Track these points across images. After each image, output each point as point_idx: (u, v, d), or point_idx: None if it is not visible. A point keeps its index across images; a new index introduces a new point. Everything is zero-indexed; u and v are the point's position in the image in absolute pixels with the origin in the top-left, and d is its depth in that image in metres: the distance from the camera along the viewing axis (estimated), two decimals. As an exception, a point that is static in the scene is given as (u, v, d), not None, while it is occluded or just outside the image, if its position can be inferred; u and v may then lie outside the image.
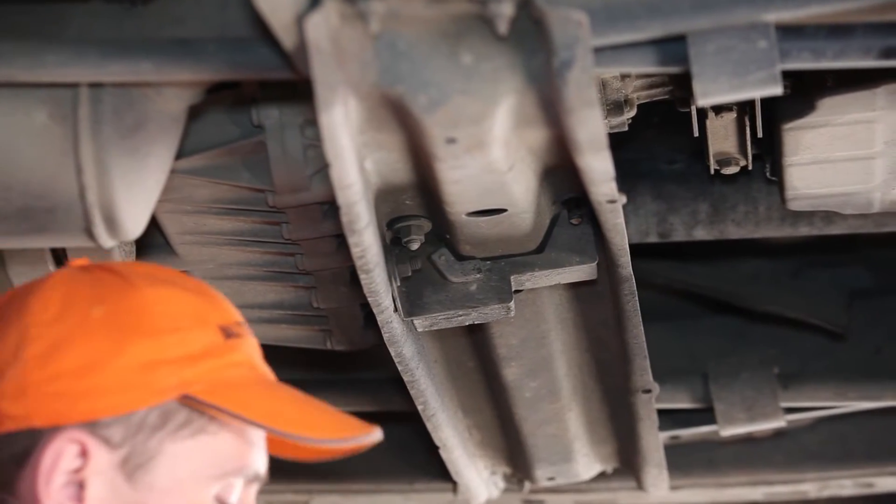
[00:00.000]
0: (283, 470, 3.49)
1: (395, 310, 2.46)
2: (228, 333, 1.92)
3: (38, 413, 1.82)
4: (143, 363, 1.84)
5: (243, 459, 1.91)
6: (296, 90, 2.25)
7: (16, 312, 1.89)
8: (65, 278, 1.92)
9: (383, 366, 2.89)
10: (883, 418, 3.40)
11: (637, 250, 2.71)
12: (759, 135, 2.62)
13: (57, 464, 1.81)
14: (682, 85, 2.49)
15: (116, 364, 1.83)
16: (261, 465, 1.94)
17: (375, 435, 1.95)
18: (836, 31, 1.98)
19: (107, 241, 2.17)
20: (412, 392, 2.74)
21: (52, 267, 2.48)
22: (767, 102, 2.53)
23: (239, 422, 1.89)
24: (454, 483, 3.32)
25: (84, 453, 1.82)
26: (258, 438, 1.93)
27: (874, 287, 3.41)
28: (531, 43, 1.91)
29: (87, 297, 1.88)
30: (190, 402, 1.86)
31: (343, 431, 1.93)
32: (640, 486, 3.37)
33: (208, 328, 1.90)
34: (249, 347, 1.95)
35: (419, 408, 2.80)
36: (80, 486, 1.82)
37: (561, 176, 2.27)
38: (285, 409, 1.93)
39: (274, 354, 3.05)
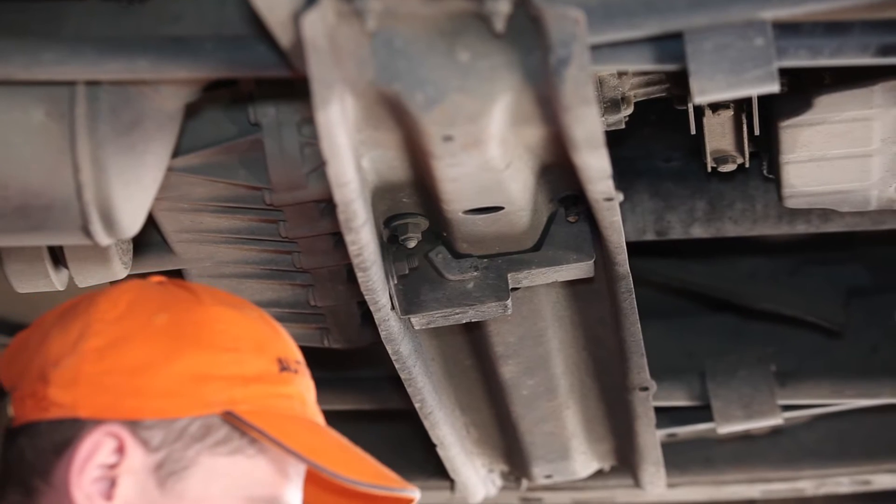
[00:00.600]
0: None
1: (393, 308, 2.46)
2: (284, 367, 1.95)
3: (85, 404, 1.86)
4: (196, 374, 1.87)
5: (276, 489, 1.93)
6: (293, 88, 2.25)
7: (83, 309, 1.96)
8: (137, 286, 1.99)
9: (380, 364, 2.89)
10: (880, 416, 3.40)
11: (634, 248, 2.71)
12: (757, 132, 2.62)
13: (93, 455, 1.84)
14: (679, 82, 2.49)
15: (169, 370, 1.87)
16: (294, 500, 1.95)
17: (412, 492, 1.97)
18: (833, 28, 1.98)
19: (104, 239, 2.17)
20: (409, 390, 2.74)
21: (49, 266, 2.47)
22: (764, 100, 2.53)
23: (279, 449, 1.91)
24: (451, 481, 3.32)
25: (121, 450, 1.84)
26: (296, 474, 1.95)
27: (871, 285, 3.41)
28: (528, 40, 1.91)
29: (153, 304, 1.95)
30: (233, 421, 1.88)
31: (382, 480, 1.96)
32: (637, 483, 3.37)
33: (266, 356, 1.94)
34: (304, 386, 1.99)
35: (416, 406, 2.80)
36: (112, 482, 1.85)
37: (558, 173, 2.27)
38: (328, 448, 1.96)
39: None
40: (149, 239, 2.55)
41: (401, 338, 2.54)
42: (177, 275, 2.66)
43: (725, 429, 3.30)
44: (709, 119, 2.63)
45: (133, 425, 1.85)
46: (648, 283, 3.35)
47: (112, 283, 2.55)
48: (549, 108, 1.96)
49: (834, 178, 2.61)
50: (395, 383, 2.82)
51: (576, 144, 1.99)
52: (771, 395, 3.27)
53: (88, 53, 2.03)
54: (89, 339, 1.90)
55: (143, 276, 2.67)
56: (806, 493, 3.54)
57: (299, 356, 2.02)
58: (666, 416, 3.30)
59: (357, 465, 1.97)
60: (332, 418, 3.52)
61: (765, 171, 2.73)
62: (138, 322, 1.92)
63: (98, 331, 1.91)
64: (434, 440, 3.00)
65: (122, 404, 1.85)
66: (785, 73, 2.29)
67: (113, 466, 1.85)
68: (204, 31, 2.08)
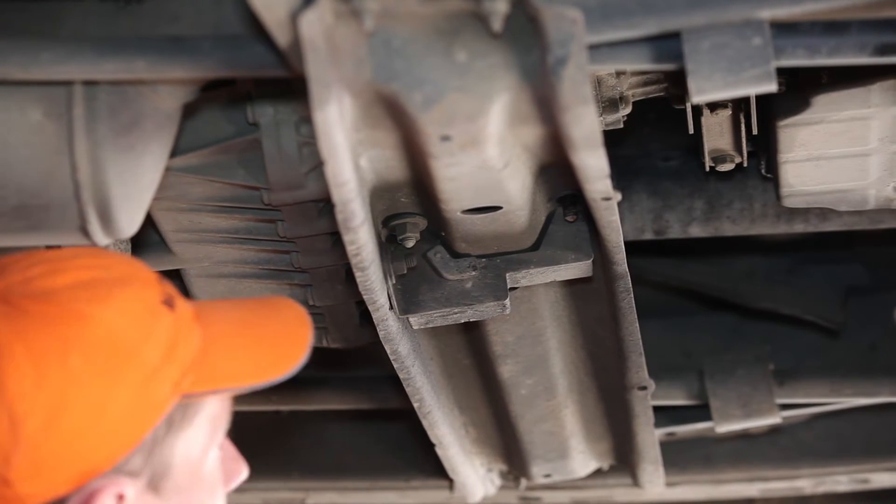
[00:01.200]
0: (279, 468, 3.52)
1: (391, 307, 2.46)
2: (168, 302, 1.86)
3: (59, 481, 1.77)
4: (138, 386, 1.79)
5: (226, 412, 1.93)
6: (291, 88, 2.25)
7: None
8: (9, 334, 1.77)
9: (379, 363, 2.89)
10: (878, 414, 3.40)
11: (633, 247, 2.71)
12: (755, 132, 2.62)
13: None
14: (677, 82, 2.49)
15: (116, 402, 1.78)
16: None
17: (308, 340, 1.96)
18: (831, 27, 1.98)
19: (102, 239, 2.17)
20: (408, 389, 2.74)
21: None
22: (762, 99, 2.53)
23: (230, 393, 1.90)
24: (450, 480, 3.32)
25: (120, 497, 1.79)
26: None
27: (869, 284, 3.41)
28: (526, 40, 1.91)
29: (53, 349, 1.76)
30: (186, 400, 1.85)
31: (292, 357, 1.94)
32: (636, 482, 3.37)
33: (158, 311, 1.84)
34: (179, 298, 1.90)
35: (415, 405, 2.80)
36: None
37: (556, 173, 2.27)
38: (247, 356, 1.92)
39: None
40: (147, 239, 2.55)
41: (399, 337, 2.54)
42: (175, 274, 2.66)
43: (724, 428, 3.30)
44: (707, 118, 2.63)
45: (116, 469, 1.78)
46: (647, 283, 3.35)
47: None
48: (546, 108, 1.96)
49: (832, 178, 2.61)
50: (394, 383, 2.82)
51: (574, 144, 1.99)
52: (769, 394, 3.27)
53: (86, 53, 2.03)
54: (25, 423, 1.73)
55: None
56: (805, 492, 3.54)
57: (148, 268, 1.90)
58: (664, 415, 3.30)
59: (268, 360, 1.94)
60: (331, 417, 3.54)
61: (763, 171, 2.73)
62: (57, 378, 1.74)
63: (27, 411, 1.73)
64: (433, 439, 3.00)
65: (96, 460, 1.77)
66: (783, 73, 2.29)
67: None
68: (202, 30, 2.08)
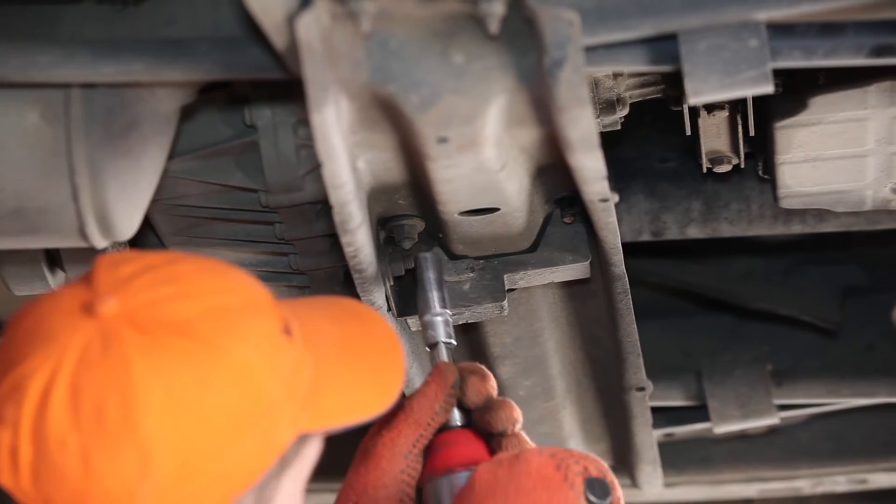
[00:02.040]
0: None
1: (389, 309, 2.46)
2: (287, 330, 1.79)
3: None
4: (264, 429, 1.72)
5: (321, 444, 1.88)
6: (288, 90, 2.25)
7: (125, 432, 1.66)
8: (148, 369, 1.68)
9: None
10: (876, 415, 3.40)
11: (630, 249, 2.71)
12: (752, 133, 2.62)
13: None
14: (674, 84, 2.49)
15: (244, 444, 1.71)
16: None
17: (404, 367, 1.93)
18: (827, 29, 1.98)
19: (100, 241, 2.17)
20: (406, 391, 2.74)
21: (45, 268, 2.47)
22: (759, 101, 2.53)
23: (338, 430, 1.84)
24: (449, 481, 3.31)
25: None
26: None
27: (867, 284, 3.41)
28: (523, 42, 1.91)
29: (191, 389, 1.68)
30: (299, 438, 1.80)
31: (389, 395, 1.89)
32: (634, 483, 3.37)
33: (281, 344, 1.77)
34: (293, 321, 1.83)
35: (413, 406, 2.80)
36: None
37: (553, 175, 2.28)
38: (355, 390, 1.86)
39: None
40: (145, 241, 2.55)
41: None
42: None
43: (722, 428, 3.30)
44: (704, 120, 2.63)
45: None
46: (645, 284, 3.35)
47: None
48: (543, 110, 1.96)
49: (829, 179, 2.61)
50: (392, 384, 2.82)
51: (571, 146, 1.99)
52: (767, 395, 3.27)
53: (84, 56, 2.03)
54: (155, 462, 1.66)
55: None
56: (803, 493, 3.54)
57: (267, 290, 1.82)
58: (663, 415, 3.30)
59: (374, 393, 1.89)
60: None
61: (760, 172, 2.73)
62: (192, 420, 1.67)
63: (160, 450, 1.66)
64: (431, 441, 2.99)
65: (212, 500, 1.70)
66: (779, 74, 2.29)
67: None
68: (199, 33, 2.08)
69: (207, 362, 1.69)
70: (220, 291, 1.76)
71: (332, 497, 3.56)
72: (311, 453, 1.86)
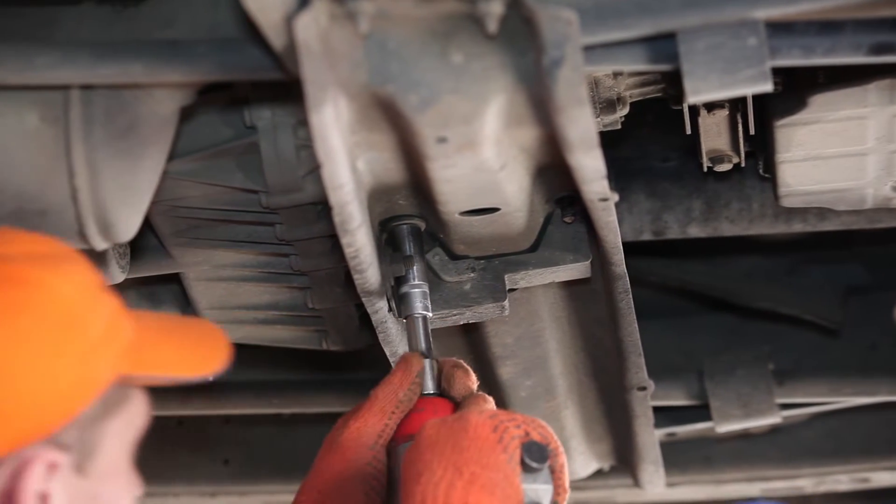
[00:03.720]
0: (281, 471, 3.52)
1: (390, 310, 2.46)
2: (105, 286, 1.88)
3: None
4: (80, 358, 1.79)
5: (147, 407, 1.93)
6: (288, 91, 2.25)
7: None
8: None
9: (379, 365, 2.88)
10: (878, 414, 3.40)
11: (631, 248, 2.71)
12: (752, 132, 2.62)
13: (30, 490, 1.77)
14: (674, 83, 2.49)
15: (60, 370, 1.78)
16: None
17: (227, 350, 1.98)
18: (826, 27, 1.98)
19: (100, 243, 2.17)
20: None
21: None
22: (759, 99, 2.54)
23: (159, 381, 1.90)
24: (451, 481, 3.31)
25: (52, 467, 1.78)
26: None
27: (869, 283, 3.41)
28: (521, 42, 1.91)
29: (4, 310, 1.78)
30: (122, 381, 1.85)
31: (219, 356, 1.97)
32: (636, 483, 3.37)
33: (101, 291, 1.85)
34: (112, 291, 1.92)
35: (415, 407, 2.80)
36: (43, 497, 1.78)
37: (554, 174, 2.28)
38: (175, 352, 1.94)
39: (269, 355, 3.07)
40: (146, 243, 2.55)
41: (398, 340, 2.54)
42: (174, 278, 2.66)
43: (724, 428, 3.30)
44: (704, 119, 2.63)
45: (49, 440, 1.78)
46: (646, 283, 3.34)
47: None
48: (542, 109, 1.96)
49: (829, 177, 2.61)
50: (394, 385, 2.81)
51: (570, 145, 1.99)
52: (769, 394, 3.27)
53: (82, 58, 2.03)
54: None
55: (142, 280, 2.68)
56: (805, 492, 3.54)
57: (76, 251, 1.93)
58: (664, 415, 3.30)
59: (195, 356, 1.97)
60: (332, 420, 3.53)
61: (761, 171, 2.73)
62: (5, 339, 1.76)
63: None
64: (433, 441, 2.99)
65: (32, 427, 1.76)
66: (779, 73, 2.30)
67: (44, 484, 1.78)
68: (197, 34, 2.08)
69: (23, 289, 1.78)
70: (47, 243, 1.89)
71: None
72: (136, 412, 1.90)
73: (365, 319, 2.58)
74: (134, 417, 1.90)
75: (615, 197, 2.22)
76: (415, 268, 2.31)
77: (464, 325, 2.55)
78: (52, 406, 1.78)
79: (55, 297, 1.80)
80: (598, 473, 3.37)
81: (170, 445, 3.56)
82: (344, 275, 2.59)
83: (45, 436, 1.78)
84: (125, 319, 1.88)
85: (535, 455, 1.97)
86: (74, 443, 1.81)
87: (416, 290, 2.30)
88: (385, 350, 2.55)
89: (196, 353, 1.98)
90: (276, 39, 1.90)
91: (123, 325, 1.87)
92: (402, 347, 2.56)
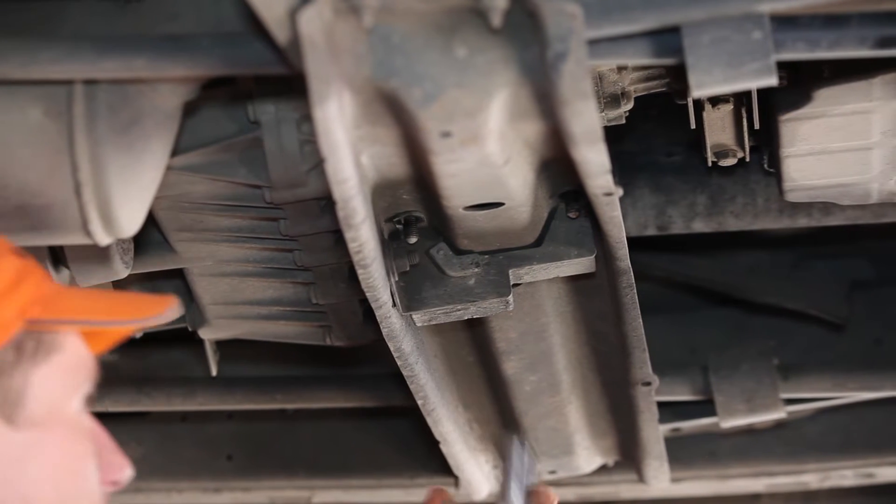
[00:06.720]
0: (284, 466, 3.53)
1: (394, 305, 2.45)
2: (20, 253, 1.89)
3: None
4: None
5: (89, 363, 1.92)
6: (292, 85, 2.25)
7: None
8: None
9: (383, 361, 2.89)
10: (883, 408, 3.40)
11: (636, 243, 2.71)
12: (757, 126, 2.61)
13: None
14: (678, 77, 2.49)
15: None
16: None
17: (173, 306, 1.96)
18: (831, 20, 1.98)
19: (103, 238, 2.17)
20: (412, 387, 2.74)
21: (50, 266, 2.48)
22: (764, 94, 2.53)
23: (81, 327, 1.89)
24: (456, 478, 3.32)
25: None
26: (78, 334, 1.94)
27: (874, 278, 3.41)
28: (525, 35, 1.91)
29: None
30: (33, 326, 1.84)
31: (150, 311, 1.95)
32: (641, 478, 3.37)
33: (5, 254, 1.87)
34: (37, 266, 1.93)
35: (419, 402, 2.80)
36: None
37: (558, 169, 2.27)
38: (103, 304, 1.94)
39: (273, 351, 3.08)
40: (149, 238, 2.56)
41: (402, 335, 2.54)
42: (178, 274, 2.66)
43: (729, 423, 3.30)
44: (708, 113, 2.63)
45: None
46: (650, 278, 3.35)
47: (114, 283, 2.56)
48: (547, 103, 1.96)
49: (834, 172, 2.61)
50: (398, 380, 2.82)
51: (574, 139, 1.99)
52: (774, 389, 3.27)
53: (86, 52, 2.03)
54: None
55: (145, 275, 2.68)
56: (810, 487, 3.54)
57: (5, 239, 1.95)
58: (669, 410, 3.30)
59: (127, 306, 1.96)
60: (336, 415, 3.54)
61: (765, 165, 2.72)
62: None
63: None
64: (437, 437, 2.99)
65: None
66: (784, 67, 2.29)
67: None
68: (201, 29, 2.08)
69: None
70: None
71: (333, 495, 3.58)
72: (70, 361, 1.88)
73: (369, 314, 2.58)
74: (68, 366, 1.88)
75: (619, 191, 2.22)
76: (515, 486, 2.29)
77: (468, 319, 2.55)
78: None
79: None
80: (603, 469, 3.37)
81: (173, 441, 3.57)
82: (348, 270, 2.59)
83: None
84: (41, 280, 1.88)
85: None
86: None
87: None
88: (389, 345, 2.55)
89: (129, 301, 1.98)
90: (280, 34, 1.90)
91: (36, 283, 1.86)
92: (405, 342, 2.56)
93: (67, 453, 1.86)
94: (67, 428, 1.87)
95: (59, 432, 1.86)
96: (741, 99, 2.60)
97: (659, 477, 3.35)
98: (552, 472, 3.30)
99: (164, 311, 1.94)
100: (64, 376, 1.87)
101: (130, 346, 2.66)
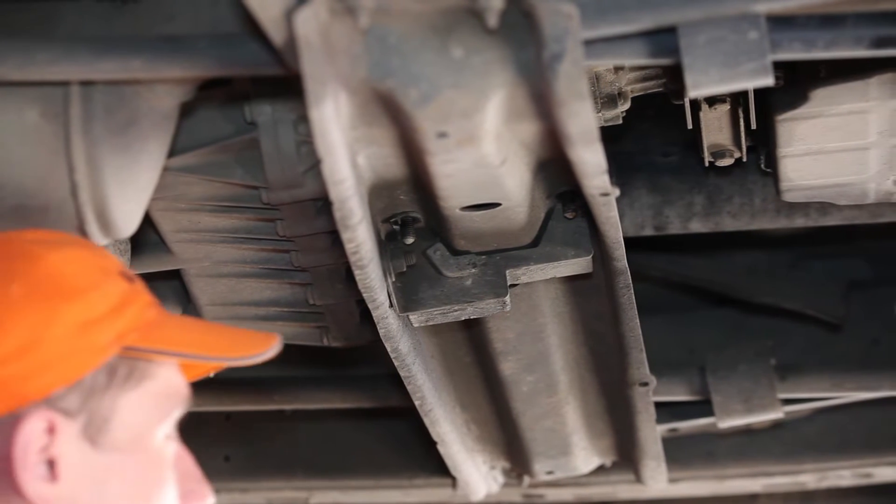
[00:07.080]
0: (282, 467, 3.53)
1: (391, 305, 2.45)
2: (128, 277, 1.93)
3: None
4: (78, 327, 1.84)
5: (181, 391, 1.95)
6: (289, 86, 2.24)
7: None
8: None
9: (380, 361, 2.89)
10: (880, 408, 3.40)
11: (633, 243, 2.71)
12: (753, 126, 2.62)
13: (28, 447, 1.80)
14: (675, 77, 2.49)
15: (54, 334, 1.83)
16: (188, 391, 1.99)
17: (276, 345, 1.99)
18: (827, 20, 1.98)
19: (100, 239, 2.17)
20: (409, 387, 2.74)
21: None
22: (761, 94, 2.53)
23: (176, 359, 1.91)
24: (453, 478, 3.32)
25: (51, 429, 1.82)
26: (178, 368, 1.97)
27: (871, 278, 3.41)
28: (521, 36, 1.91)
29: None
30: (129, 353, 1.87)
31: (251, 349, 1.98)
32: (638, 479, 3.37)
33: (114, 277, 1.91)
34: (144, 289, 1.97)
35: (416, 403, 2.80)
36: (51, 463, 1.82)
37: (555, 169, 2.27)
38: (203, 337, 1.97)
39: (271, 351, 3.08)
40: (146, 238, 2.56)
41: (400, 335, 2.54)
42: (175, 274, 2.66)
43: (726, 423, 3.30)
44: (705, 113, 2.63)
45: (48, 402, 1.82)
46: (647, 278, 3.34)
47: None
48: (543, 104, 1.96)
49: (831, 172, 2.61)
50: (395, 381, 2.82)
51: (570, 140, 1.99)
52: (771, 389, 3.27)
53: (82, 53, 2.03)
54: None
55: (142, 276, 2.68)
56: (808, 487, 3.54)
57: (120, 261, 2.01)
58: (666, 410, 3.30)
59: (230, 342, 1.99)
60: (333, 416, 3.54)
61: (762, 165, 2.72)
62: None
63: None
64: (434, 437, 2.99)
65: (29, 388, 1.81)
66: (780, 67, 2.29)
67: (46, 448, 1.82)
68: (198, 29, 2.08)
69: (21, 261, 1.87)
70: (64, 235, 1.99)
71: (331, 496, 3.58)
72: (161, 390, 1.92)
73: (366, 315, 2.58)
74: (158, 394, 1.92)
75: (616, 192, 2.22)
76: None
77: (465, 320, 2.55)
78: (46, 369, 1.81)
79: (51, 272, 1.86)
80: (601, 469, 3.37)
81: (171, 442, 3.56)
82: (345, 271, 2.59)
83: (41, 396, 1.81)
84: (146, 307, 1.92)
85: None
86: (78, 410, 1.84)
87: None
88: (386, 346, 2.55)
89: (229, 338, 2.00)
90: (276, 34, 1.90)
91: (140, 309, 1.90)
92: (402, 343, 2.56)
93: (145, 480, 1.90)
94: (149, 454, 1.91)
95: (141, 458, 1.90)
96: (738, 99, 2.60)
97: (656, 477, 3.35)
98: (550, 473, 3.29)
99: (265, 350, 1.98)
100: (152, 404, 1.91)
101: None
